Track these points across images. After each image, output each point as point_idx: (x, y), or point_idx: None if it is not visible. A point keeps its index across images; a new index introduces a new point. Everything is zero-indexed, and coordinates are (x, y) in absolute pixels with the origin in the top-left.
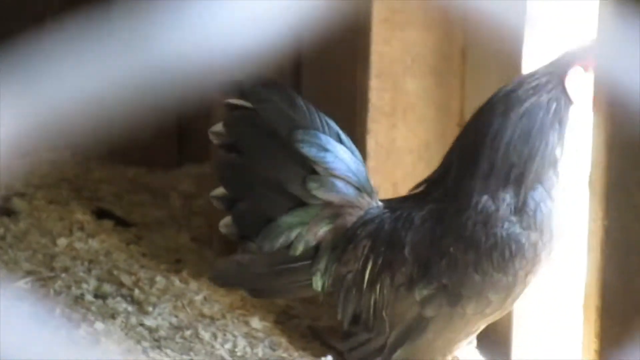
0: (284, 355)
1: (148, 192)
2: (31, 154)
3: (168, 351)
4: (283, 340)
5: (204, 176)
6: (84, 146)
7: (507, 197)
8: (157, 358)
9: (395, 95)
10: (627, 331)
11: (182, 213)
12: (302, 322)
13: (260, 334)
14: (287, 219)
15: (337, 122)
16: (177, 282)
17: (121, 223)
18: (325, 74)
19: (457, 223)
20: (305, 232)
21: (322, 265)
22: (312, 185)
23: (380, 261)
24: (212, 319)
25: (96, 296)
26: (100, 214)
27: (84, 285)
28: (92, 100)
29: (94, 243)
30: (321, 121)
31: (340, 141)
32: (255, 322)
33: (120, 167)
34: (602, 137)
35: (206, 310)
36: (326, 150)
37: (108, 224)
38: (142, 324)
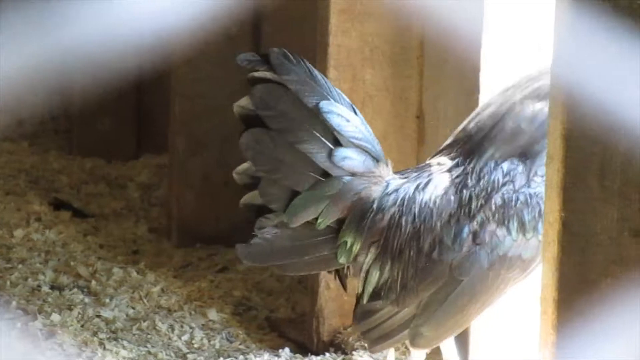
0: (242, 347)
1: (106, 183)
2: None
3: (125, 343)
4: (240, 332)
5: (162, 167)
6: (41, 137)
7: (528, 163)
8: (114, 350)
9: (354, 86)
10: (584, 324)
11: (140, 204)
12: (260, 313)
13: (217, 326)
14: (314, 191)
15: None
16: (134, 274)
17: (79, 214)
18: None
19: (484, 186)
20: (332, 205)
21: (348, 237)
22: (338, 157)
23: (407, 229)
24: (169, 310)
25: (53, 287)
26: (58, 205)
27: (41, 277)
28: (49, 87)
29: (51, 234)
30: (337, 93)
31: (355, 112)
32: (213, 314)
33: (78, 158)
34: (559, 129)
35: (163, 302)
36: (348, 121)
37: (65, 215)
38: (98, 316)
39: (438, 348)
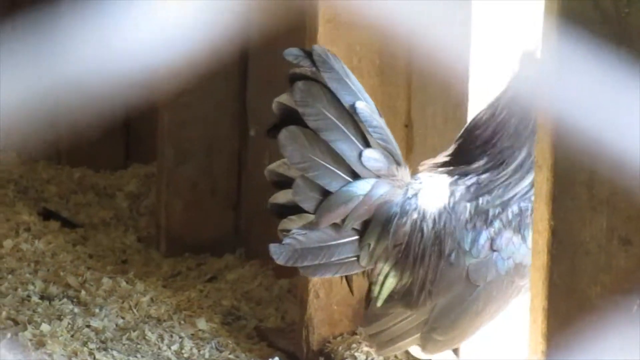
0: (231, 356)
1: (94, 193)
2: None
3: (114, 353)
4: (230, 342)
5: (150, 177)
6: (30, 147)
7: None
8: (104, 359)
9: None
10: (573, 332)
11: (128, 214)
12: (249, 323)
13: (206, 335)
14: (344, 192)
15: None
16: (123, 283)
17: (67, 224)
18: (273, 74)
19: (500, 194)
20: (360, 206)
21: (371, 239)
22: (367, 158)
23: (429, 234)
24: (159, 320)
25: (42, 298)
26: (47, 214)
27: (30, 287)
28: (38, 99)
29: (40, 244)
30: (367, 95)
31: (379, 115)
32: (202, 323)
33: (66, 167)
34: (548, 137)
35: (153, 312)
36: (377, 122)
37: (54, 224)
38: (88, 326)
39: None
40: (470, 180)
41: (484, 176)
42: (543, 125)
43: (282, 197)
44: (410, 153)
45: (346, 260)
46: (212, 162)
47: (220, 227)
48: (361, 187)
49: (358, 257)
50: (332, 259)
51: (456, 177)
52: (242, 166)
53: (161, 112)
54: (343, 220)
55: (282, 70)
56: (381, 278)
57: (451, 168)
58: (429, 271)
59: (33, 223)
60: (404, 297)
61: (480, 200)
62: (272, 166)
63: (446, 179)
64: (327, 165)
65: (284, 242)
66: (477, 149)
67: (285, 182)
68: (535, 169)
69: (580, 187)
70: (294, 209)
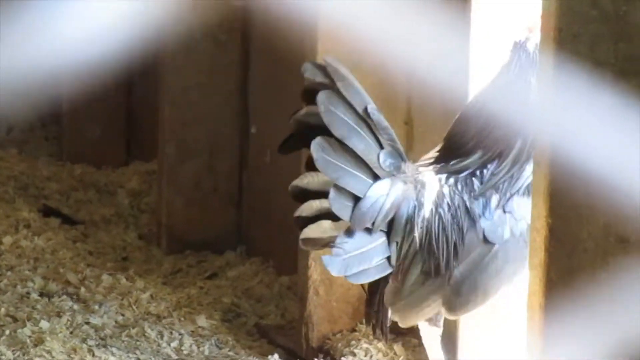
0: (231, 353)
1: (95, 190)
2: None
3: (114, 350)
4: (229, 339)
5: (151, 174)
6: (31, 143)
7: None
8: (103, 357)
9: None
10: (571, 330)
11: (129, 211)
12: (249, 320)
13: (206, 332)
14: (371, 195)
15: (285, 123)
16: (123, 281)
17: (68, 221)
18: (274, 71)
19: (508, 173)
20: (384, 206)
21: (398, 237)
22: (383, 159)
23: (446, 216)
24: (159, 317)
25: (42, 294)
26: (47, 211)
27: (30, 284)
28: (38, 93)
29: (40, 241)
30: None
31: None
32: (202, 321)
33: (67, 164)
34: (546, 135)
35: (152, 309)
36: (386, 123)
37: (54, 221)
38: (87, 323)
39: (424, 349)
40: (473, 172)
41: (486, 167)
42: (541, 122)
43: (306, 209)
44: (411, 150)
45: (380, 262)
46: (213, 160)
47: (222, 225)
48: (383, 188)
49: (389, 257)
50: (372, 263)
51: (457, 169)
52: (243, 164)
53: (162, 109)
54: (373, 224)
55: (282, 69)
56: (407, 263)
57: (450, 162)
58: (451, 249)
59: (33, 220)
60: (427, 271)
61: (488, 178)
62: (296, 182)
63: (448, 171)
64: (354, 172)
65: (333, 252)
66: (471, 139)
67: (308, 195)
68: (534, 166)
69: (577, 185)
70: (316, 220)
